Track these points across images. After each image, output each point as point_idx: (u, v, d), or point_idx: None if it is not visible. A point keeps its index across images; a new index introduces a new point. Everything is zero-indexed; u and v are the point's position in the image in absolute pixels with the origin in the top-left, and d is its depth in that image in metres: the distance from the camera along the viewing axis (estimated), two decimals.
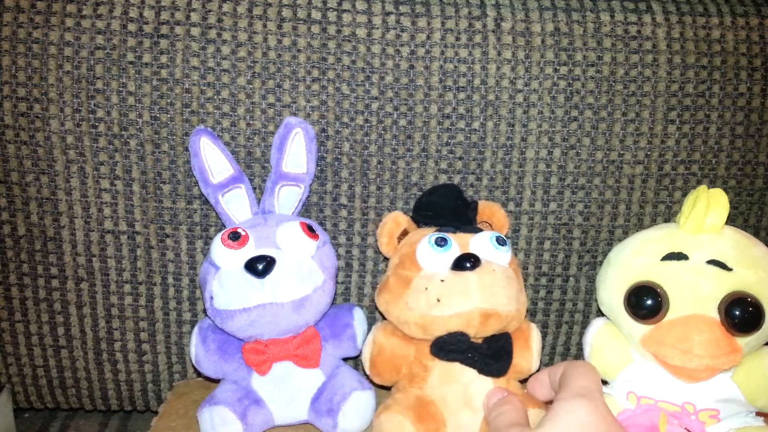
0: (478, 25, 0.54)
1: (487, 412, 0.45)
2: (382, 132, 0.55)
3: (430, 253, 0.47)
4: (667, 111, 0.56)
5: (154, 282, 0.57)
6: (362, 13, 0.54)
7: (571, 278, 0.58)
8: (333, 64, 0.54)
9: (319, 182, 0.55)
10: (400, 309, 0.47)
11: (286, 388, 0.50)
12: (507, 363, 0.47)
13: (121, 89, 0.53)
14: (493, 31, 0.54)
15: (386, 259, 0.53)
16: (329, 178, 0.55)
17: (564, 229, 0.57)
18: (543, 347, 0.60)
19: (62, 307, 0.57)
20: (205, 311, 0.51)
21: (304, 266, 0.48)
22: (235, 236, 0.47)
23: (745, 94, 0.56)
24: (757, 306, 0.44)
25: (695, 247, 0.47)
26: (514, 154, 0.55)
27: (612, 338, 0.50)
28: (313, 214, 0.56)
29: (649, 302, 0.46)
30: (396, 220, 0.52)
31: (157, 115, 0.53)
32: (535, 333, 0.51)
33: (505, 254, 0.48)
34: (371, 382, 0.51)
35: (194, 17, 0.53)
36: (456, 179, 0.56)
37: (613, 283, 0.49)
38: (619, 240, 0.54)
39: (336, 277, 0.53)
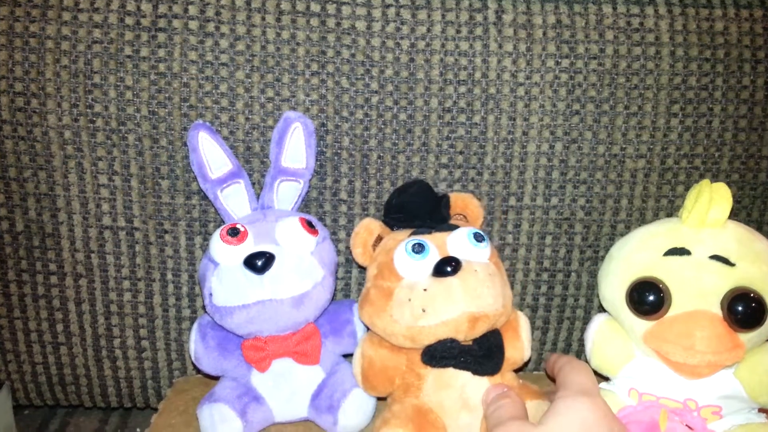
0: (479, 17, 0.54)
1: (486, 407, 0.45)
2: (382, 126, 0.54)
3: (408, 261, 0.46)
4: (670, 104, 0.55)
5: (153, 278, 0.56)
6: (362, 5, 0.53)
7: (572, 273, 0.58)
8: (332, 57, 0.53)
9: (319, 177, 0.55)
10: (386, 322, 0.46)
11: (286, 385, 0.50)
12: (500, 359, 0.47)
13: (118, 84, 0.52)
14: (494, 24, 0.54)
15: (363, 268, 0.52)
16: (329, 173, 0.55)
17: (566, 223, 0.57)
18: (544, 342, 0.59)
19: (61, 303, 0.57)
20: (204, 308, 0.51)
21: (304, 262, 0.48)
22: (234, 232, 0.47)
23: (748, 86, 0.55)
24: (760, 301, 0.44)
25: (698, 242, 0.46)
26: (515, 148, 0.55)
27: (614, 334, 0.50)
28: (313, 209, 0.56)
29: (651, 298, 0.46)
30: (368, 227, 0.50)
31: (155, 109, 0.53)
32: (523, 321, 0.50)
33: (484, 250, 0.47)
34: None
35: (192, 10, 0.52)
36: (457, 173, 0.55)
37: (615, 278, 0.49)
38: (622, 235, 0.54)
39: (336, 272, 0.52)
